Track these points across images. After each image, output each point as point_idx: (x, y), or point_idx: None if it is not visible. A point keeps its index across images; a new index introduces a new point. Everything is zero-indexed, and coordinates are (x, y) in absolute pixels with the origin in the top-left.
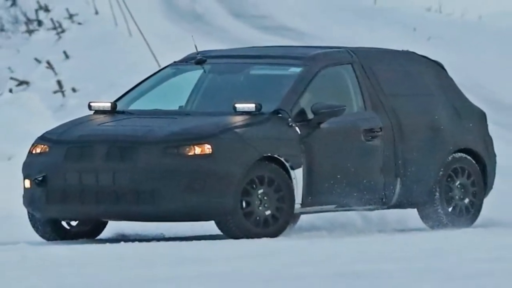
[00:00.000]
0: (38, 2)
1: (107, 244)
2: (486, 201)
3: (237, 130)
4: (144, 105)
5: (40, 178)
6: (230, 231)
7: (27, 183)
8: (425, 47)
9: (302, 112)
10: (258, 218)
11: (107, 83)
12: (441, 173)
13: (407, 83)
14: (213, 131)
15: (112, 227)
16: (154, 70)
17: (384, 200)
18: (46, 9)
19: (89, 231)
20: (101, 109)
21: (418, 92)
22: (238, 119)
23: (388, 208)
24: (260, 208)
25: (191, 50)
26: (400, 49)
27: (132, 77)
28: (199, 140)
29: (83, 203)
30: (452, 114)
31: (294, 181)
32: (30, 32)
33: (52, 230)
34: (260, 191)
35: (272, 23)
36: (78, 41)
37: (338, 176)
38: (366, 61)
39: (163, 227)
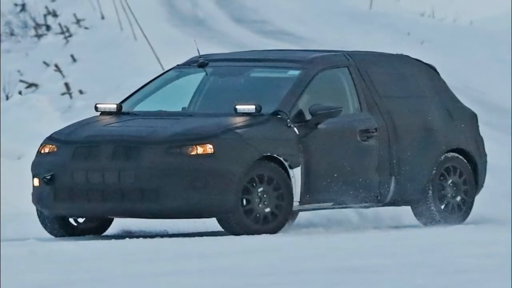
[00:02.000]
0: (46, 8)
1: (113, 240)
2: (477, 198)
3: (237, 130)
4: (149, 107)
5: (48, 177)
6: (231, 228)
7: (36, 182)
8: (418, 51)
9: (300, 113)
10: (258, 215)
11: (113, 85)
12: (434, 172)
13: (401, 86)
14: (215, 132)
15: (118, 224)
16: (158, 73)
17: (379, 198)
18: (54, 14)
19: (96, 228)
20: (107, 110)
21: (411, 94)
22: (239, 120)
23: (383, 205)
24: (260, 205)
25: (194, 54)
26: (394, 52)
27: (137, 79)
28: (201, 140)
29: (90, 201)
30: (444, 115)
31: (292, 179)
32: (38, 36)
33: (60, 227)
34: (260, 189)
35: (271, 28)
36: (85, 45)
37: (335, 175)
38: (361, 64)
39: (166, 223)
